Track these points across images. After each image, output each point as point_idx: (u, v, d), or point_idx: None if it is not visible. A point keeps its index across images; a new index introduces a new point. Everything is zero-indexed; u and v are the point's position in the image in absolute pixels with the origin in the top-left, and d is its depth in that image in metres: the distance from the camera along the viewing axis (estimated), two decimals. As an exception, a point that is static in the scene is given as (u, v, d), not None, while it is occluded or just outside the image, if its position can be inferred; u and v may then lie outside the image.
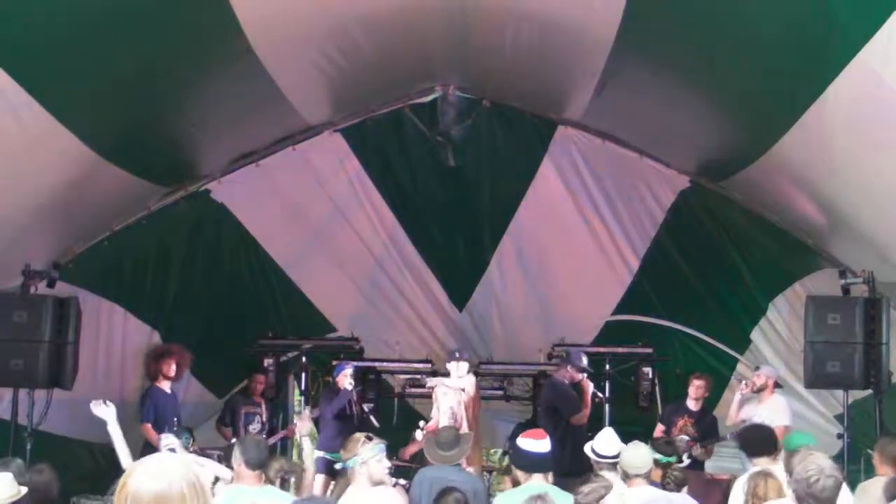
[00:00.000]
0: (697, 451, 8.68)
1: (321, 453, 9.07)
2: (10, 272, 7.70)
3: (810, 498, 3.79)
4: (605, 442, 5.98)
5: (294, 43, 7.25)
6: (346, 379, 8.98)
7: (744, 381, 8.79)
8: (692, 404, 8.98)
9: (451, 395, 8.67)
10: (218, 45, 6.70)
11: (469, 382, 8.85)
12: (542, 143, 9.74)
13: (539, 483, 5.16)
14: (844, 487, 4.63)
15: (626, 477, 5.63)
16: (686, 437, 8.73)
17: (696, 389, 8.98)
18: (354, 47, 7.64)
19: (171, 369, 8.68)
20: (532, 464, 5.21)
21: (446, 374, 9.22)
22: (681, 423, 8.88)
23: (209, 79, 7.23)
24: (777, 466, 5.88)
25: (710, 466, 9.12)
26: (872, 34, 5.21)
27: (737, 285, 9.86)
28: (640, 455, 5.65)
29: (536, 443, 5.25)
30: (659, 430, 9.00)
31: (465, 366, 8.86)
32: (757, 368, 8.97)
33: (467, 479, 6.13)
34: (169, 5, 6.00)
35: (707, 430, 8.86)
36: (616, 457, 5.83)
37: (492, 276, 10.75)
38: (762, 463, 6.17)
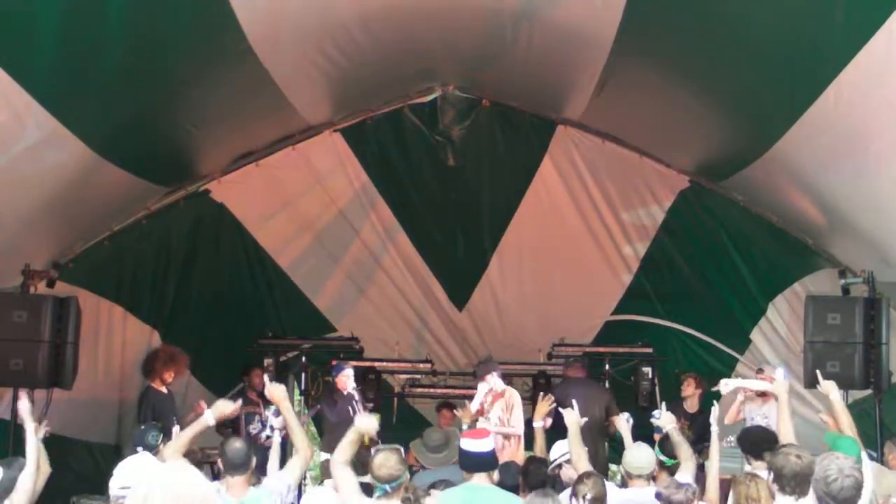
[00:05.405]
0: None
1: (327, 455, 9.04)
2: (10, 272, 7.70)
3: (829, 497, 3.78)
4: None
5: (294, 43, 7.25)
6: (348, 381, 8.91)
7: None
8: (687, 405, 8.97)
9: (497, 406, 8.57)
10: (218, 45, 6.70)
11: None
12: (542, 143, 9.73)
13: (481, 482, 5.13)
14: (868, 475, 4.64)
15: (629, 476, 5.64)
16: None
17: (685, 389, 8.99)
18: (354, 47, 7.63)
19: (171, 372, 8.65)
20: (474, 463, 5.19)
21: (446, 374, 9.22)
22: (678, 426, 8.85)
23: (209, 78, 7.22)
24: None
25: (710, 467, 9.09)
26: (872, 34, 5.22)
27: (737, 285, 9.84)
28: (643, 455, 5.66)
29: (477, 442, 5.22)
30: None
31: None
32: (759, 371, 8.94)
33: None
34: (169, 5, 6.00)
35: (702, 431, 8.83)
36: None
37: (492, 276, 10.74)
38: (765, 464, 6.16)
